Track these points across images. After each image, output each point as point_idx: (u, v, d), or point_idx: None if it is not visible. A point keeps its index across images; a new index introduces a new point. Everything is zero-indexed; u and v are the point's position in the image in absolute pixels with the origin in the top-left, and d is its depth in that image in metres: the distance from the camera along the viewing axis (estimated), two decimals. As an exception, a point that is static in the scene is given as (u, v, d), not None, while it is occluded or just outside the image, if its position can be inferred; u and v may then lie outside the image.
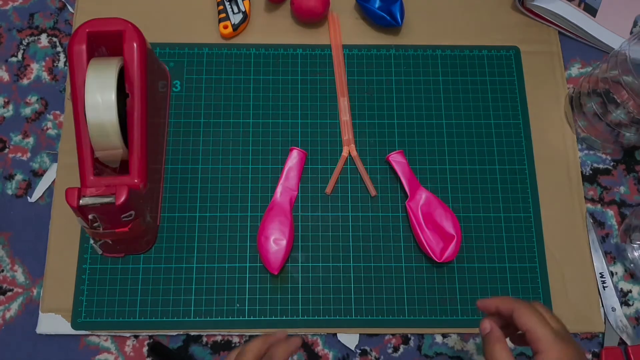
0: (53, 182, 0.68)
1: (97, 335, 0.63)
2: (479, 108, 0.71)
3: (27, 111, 0.71)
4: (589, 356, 0.64)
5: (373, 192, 0.67)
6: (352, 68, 0.73)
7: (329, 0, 0.72)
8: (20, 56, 0.73)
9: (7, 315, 0.64)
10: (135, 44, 0.59)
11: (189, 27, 0.74)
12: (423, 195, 0.66)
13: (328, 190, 0.67)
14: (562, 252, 0.66)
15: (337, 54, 0.73)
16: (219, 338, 0.63)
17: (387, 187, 0.68)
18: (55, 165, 0.68)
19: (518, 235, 0.67)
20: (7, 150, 0.69)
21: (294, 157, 0.68)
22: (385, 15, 0.72)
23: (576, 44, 0.76)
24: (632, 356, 0.62)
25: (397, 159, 0.67)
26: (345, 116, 0.70)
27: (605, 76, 0.65)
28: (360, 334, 0.64)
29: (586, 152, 0.71)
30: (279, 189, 0.66)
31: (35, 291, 0.64)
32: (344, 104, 0.70)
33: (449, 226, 0.64)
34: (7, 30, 0.74)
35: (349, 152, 0.69)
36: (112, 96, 0.55)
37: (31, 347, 0.62)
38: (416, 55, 0.73)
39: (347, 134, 0.69)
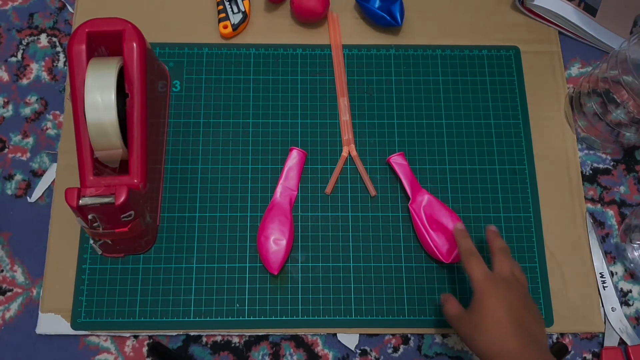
0: (53, 182, 0.68)
1: (97, 336, 0.63)
2: (479, 108, 0.71)
3: (27, 111, 0.71)
4: (589, 356, 0.64)
5: (373, 192, 0.67)
6: (352, 68, 0.73)
7: (328, 0, 0.72)
8: (20, 56, 0.73)
9: (7, 315, 0.64)
10: (135, 44, 0.58)
11: (189, 27, 0.74)
12: (425, 197, 0.66)
13: (328, 190, 0.67)
14: (562, 252, 0.66)
15: (337, 54, 0.73)
16: (218, 338, 0.63)
17: (387, 187, 0.68)
18: (55, 165, 0.68)
19: (518, 235, 0.67)
20: (6, 150, 0.69)
21: (293, 157, 0.68)
22: (385, 15, 0.72)
23: (576, 44, 0.76)
24: (632, 356, 0.62)
25: (398, 161, 0.67)
26: (345, 116, 0.70)
27: (605, 76, 0.65)
28: (360, 334, 0.64)
29: (586, 152, 0.71)
30: (278, 189, 0.66)
31: (35, 291, 0.64)
32: (343, 103, 0.70)
33: None
34: (7, 30, 0.74)
35: (349, 152, 0.69)
36: (112, 96, 0.55)
37: (31, 347, 0.62)
38: (416, 55, 0.73)
39: (347, 134, 0.69)
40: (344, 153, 0.69)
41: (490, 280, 0.54)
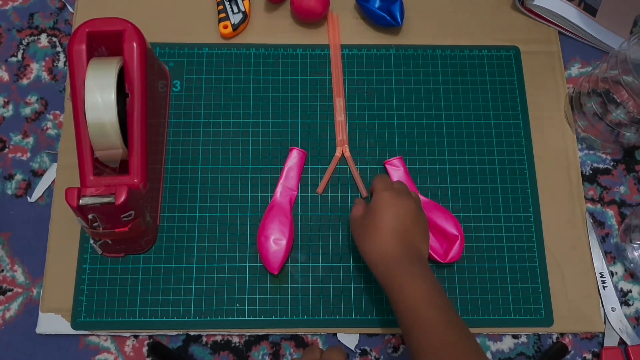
0: (53, 182, 0.68)
1: (97, 335, 0.63)
2: (479, 108, 0.71)
3: (27, 111, 0.71)
4: (589, 356, 0.64)
5: (364, 193, 0.67)
6: (352, 68, 0.73)
7: (328, 0, 0.72)
8: (20, 56, 0.73)
9: (7, 315, 0.64)
10: (135, 44, 0.59)
11: (189, 27, 0.74)
12: (420, 199, 0.66)
13: (319, 189, 0.67)
14: (562, 252, 0.66)
15: (335, 54, 0.73)
16: (219, 338, 0.63)
17: (387, 187, 0.68)
18: (55, 165, 0.68)
19: (518, 235, 0.67)
20: (7, 150, 0.69)
21: (293, 157, 0.68)
22: (385, 15, 0.72)
23: (576, 44, 0.76)
24: (632, 356, 0.62)
25: (394, 164, 0.67)
26: (340, 116, 0.70)
27: (605, 76, 0.65)
28: (360, 334, 0.64)
29: (586, 152, 0.71)
30: (278, 189, 0.66)
31: (35, 291, 0.64)
32: (339, 104, 0.70)
33: (450, 227, 0.64)
34: (7, 30, 0.74)
35: (342, 153, 0.69)
36: (112, 96, 0.55)
37: (31, 347, 0.62)
38: (416, 55, 0.73)
39: (341, 134, 0.69)
40: (337, 154, 0.69)
41: (389, 191, 0.57)
